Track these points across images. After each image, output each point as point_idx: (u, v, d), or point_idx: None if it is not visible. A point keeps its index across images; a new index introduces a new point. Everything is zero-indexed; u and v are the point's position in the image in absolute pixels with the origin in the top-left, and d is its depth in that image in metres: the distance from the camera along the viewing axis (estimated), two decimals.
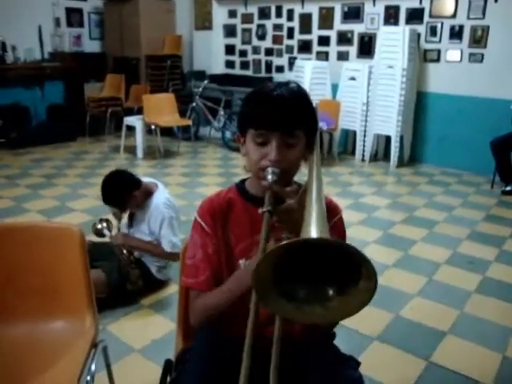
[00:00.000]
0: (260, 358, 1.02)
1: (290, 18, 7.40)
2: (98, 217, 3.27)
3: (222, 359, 1.22)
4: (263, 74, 7.87)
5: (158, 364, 1.78)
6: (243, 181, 1.41)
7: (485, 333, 2.69)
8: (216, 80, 7.61)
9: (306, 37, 7.29)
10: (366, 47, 6.69)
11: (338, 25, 6.92)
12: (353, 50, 6.84)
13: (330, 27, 6.99)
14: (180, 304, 1.61)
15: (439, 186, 5.56)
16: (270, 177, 1.16)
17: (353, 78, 6.50)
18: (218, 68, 8.31)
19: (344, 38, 6.89)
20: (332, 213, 1.34)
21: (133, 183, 2.88)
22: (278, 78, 7.28)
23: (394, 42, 5.93)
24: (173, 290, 3.02)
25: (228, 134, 7.19)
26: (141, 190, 2.88)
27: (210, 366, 1.24)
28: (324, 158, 6.51)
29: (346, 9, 6.78)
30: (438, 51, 6.11)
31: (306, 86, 6.04)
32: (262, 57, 7.89)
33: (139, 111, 7.11)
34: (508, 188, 5.23)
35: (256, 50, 7.95)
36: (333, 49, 7.03)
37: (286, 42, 7.54)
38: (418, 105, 6.37)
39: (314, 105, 1.28)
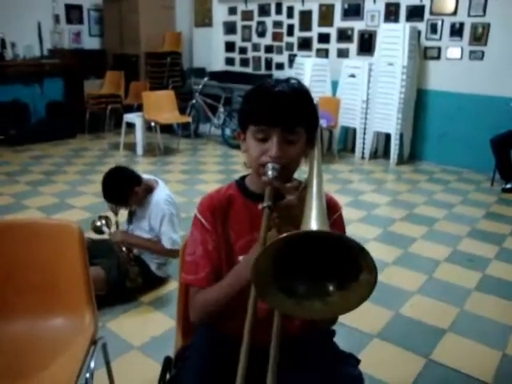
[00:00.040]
0: (259, 355, 1.02)
1: (289, 15, 7.39)
2: (97, 214, 3.26)
3: (222, 356, 1.22)
4: (263, 71, 7.87)
5: (158, 361, 1.78)
6: (243, 177, 1.41)
7: (485, 330, 2.69)
8: (216, 77, 7.60)
9: (305, 34, 7.28)
10: (366, 44, 6.68)
11: (338, 22, 6.90)
12: (353, 47, 6.83)
13: (330, 24, 6.98)
14: (180, 301, 1.61)
15: (439, 183, 5.55)
16: (270, 172, 1.16)
17: (353, 76, 6.49)
18: (218, 65, 8.30)
19: (344, 36, 6.88)
20: (332, 210, 1.33)
21: (133, 179, 2.87)
22: (277, 75, 7.27)
23: (394, 39, 5.92)
24: (172, 287, 3.02)
25: (228, 131, 7.18)
26: (141, 186, 2.87)
27: (210, 362, 1.23)
28: (324, 156, 6.50)
29: (346, 6, 6.76)
30: (439, 49, 6.10)
31: (306, 83, 5.97)
32: (262, 54, 7.88)
33: (139, 108, 7.11)
34: (508, 185, 5.22)
35: (256, 47, 7.94)
36: (333, 46, 7.02)
37: (286, 39, 7.53)
38: (418, 102, 6.36)
39: (315, 101, 1.27)
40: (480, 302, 2.99)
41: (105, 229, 2.97)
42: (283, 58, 7.62)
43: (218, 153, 6.84)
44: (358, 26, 6.72)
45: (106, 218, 3.02)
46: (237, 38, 8.15)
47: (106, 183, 2.85)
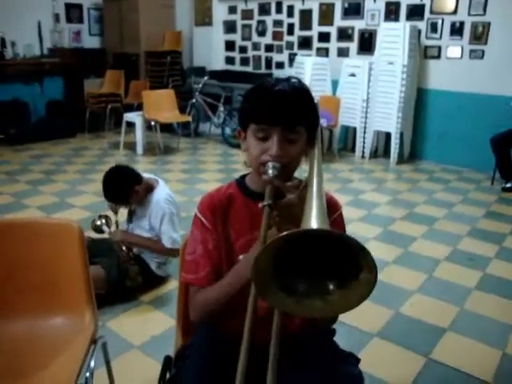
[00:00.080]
0: (259, 353, 1.02)
1: (290, 14, 7.39)
2: (97, 213, 3.26)
3: (222, 355, 1.22)
4: (263, 70, 7.86)
5: (158, 360, 1.78)
6: (243, 176, 1.41)
7: (485, 329, 2.69)
8: (216, 76, 7.60)
9: (306, 33, 7.27)
10: (367, 43, 6.67)
11: (339, 21, 6.90)
12: (353, 46, 6.83)
13: (331, 23, 6.97)
14: (180, 300, 1.61)
15: (439, 182, 5.55)
16: (270, 171, 1.16)
17: (353, 75, 6.48)
18: (218, 64, 8.29)
19: (344, 35, 6.88)
20: (332, 209, 1.33)
21: (134, 178, 2.87)
22: (278, 74, 7.24)
23: (394, 38, 5.92)
24: (172, 286, 3.02)
25: (228, 130, 7.17)
26: (142, 185, 2.87)
27: (210, 361, 1.23)
28: (324, 155, 6.50)
29: (346, 5, 6.76)
30: (439, 48, 6.10)
31: (306, 82, 5.98)
32: (262, 53, 7.87)
33: (139, 107, 7.11)
34: (508, 185, 5.22)
35: (256, 46, 7.93)
36: (333, 45, 7.02)
37: (286, 38, 7.52)
38: (419, 101, 6.36)
39: (316, 101, 1.27)
40: (480, 301, 2.99)
41: (105, 228, 2.97)
42: (283, 57, 7.62)
43: (218, 152, 6.84)
44: (358, 24, 6.71)
45: (106, 217, 3.02)
46: (237, 37, 8.15)
47: (107, 182, 2.85)
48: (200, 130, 7.87)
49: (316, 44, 7.19)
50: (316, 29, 7.15)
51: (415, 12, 6.16)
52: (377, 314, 2.79)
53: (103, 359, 1.86)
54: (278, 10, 7.51)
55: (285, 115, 1.18)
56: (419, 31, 6.13)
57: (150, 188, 2.93)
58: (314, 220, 0.93)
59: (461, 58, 5.95)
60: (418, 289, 3.12)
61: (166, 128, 7.09)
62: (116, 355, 2.29)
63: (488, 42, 5.70)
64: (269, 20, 7.68)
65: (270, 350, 1.02)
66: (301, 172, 1.30)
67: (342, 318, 1.30)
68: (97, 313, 1.79)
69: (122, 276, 2.85)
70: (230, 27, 8.19)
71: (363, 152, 6.59)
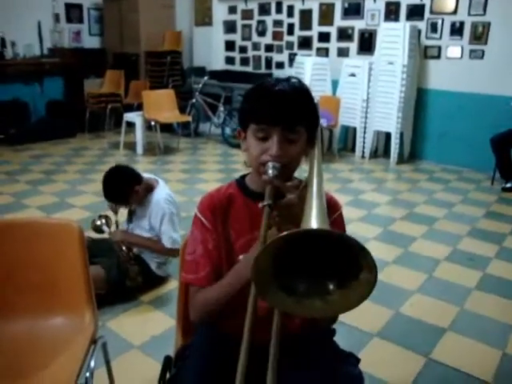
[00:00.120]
0: (259, 353, 1.02)
1: (290, 14, 7.39)
2: (97, 213, 3.26)
3: (222, 355, 1.22)
4: (263, 70, 7.86)
5: (158, 360, 1.78)
6: (243, 176, 1.41)
7: (485, 329, 2.69)
8: (216, 76, 7.60)
9: (306, 33, 7.27)
10: (367, 43, 6.67)
11: (339, 21, 6.90)
12: (353, 46, 6.83)
13: (331, 23, 6.97)
14: (180, 300, 1.61)
15: (439, 182, 5.55)
16: (270, 171, 1.16)
17: (353, 75, 6.48)
18: (218, 64, 8.29)
19: (344, 35, 6.88)
20: (332, 209, 1.33)
21: (134, 178, 2.87)
22: (278, 74, 7.24)
23: (394, 38, 5.91)
24: (172, 286, 3.02)
25: (228, 131, 7.17)
26: (142, 185, 2.87)
27: (210, 361, 1.23)
28: (324, 155, 6.50)
29: (346, 5, 6.76)
30: (439, 48, 6.10)
31: (306, 82, 5.98)
32: (262, 53, 7.87)
33: (139, 107, 7.11)
34: (508, 185, 5.22)
35: (256, 46, 7.93)
36: (333, 45, 7.01)
37: (286, 38, 7.52)
38: (419, 101, 6.36)
39: (316, 100, 1.27)
40: (480, 301, 2.99)
41: (105, 228, 2.97)
42: (283, 57, 7.62)
43: (218, 152, 6.84)
44: (358, 24, 6.71)
45: (106, 217, 3.02)
46: (237, 37, 8.14)
47: (107, 182, 2.85)
48: (200, 130, 7.87)
49: (316, 44, 7.19)
50: (316, 29, 7.15)
51: (415, 12, 6.16)
52: (377, 314, 2.79)
53: (103, 359, 1.85)
54: (278, 10, 7.51)
55: (285, 115, 1.18)
56: (419, 31, 6.13)
57: (150, 188, 2.93)
58: (314, 220, 0.93)
59: (461, 58, 5.95)
60: (417, 289, 3.12)
61: (166, 128, 7.09)
62: (116, 355, 2.29)
63: (488, 42, 5.70)
64: (269, 20, 7.68)
65: (270, 349, 1.02)
66: (301, 172, 1.30)
67: (341, 317, 1.30)
68: (97, 313, 1.79)
69: (121, 276, 2.85)
70: (229, 27, 8.19)
71: (363, 152, 6.58)
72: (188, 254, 1.36)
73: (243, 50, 8.11)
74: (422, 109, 6.38)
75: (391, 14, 6.36)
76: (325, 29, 7.05)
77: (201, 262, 1.32)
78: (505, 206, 4.78)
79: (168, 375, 1.46)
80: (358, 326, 2.66)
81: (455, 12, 5.88)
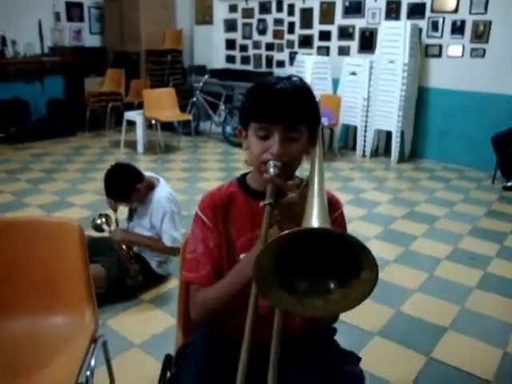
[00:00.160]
0: (260, 353, 1.01)
1: (290, 12, 7.38)
2: (97, 212, 3.26)
3: (223, 354, 1.21)
4: (264, 68, 7.86)
5: (158, 359, 1.78)
6: (244, 175, 1.40)
7: (486, 328, 2.68)
8: (216, 75, 7.59)
9: (306, 31, 7.26)
10: (367, 42, 6.66)
11: (339, 19, 6.89)
12: (354, 44, 6.82)
13: (331, 22, 6.96)
14: (180, 299, 1.61)
15: (440, 181, 5.55)
16: (271, 170, 1.16)
17: (354, 73, 6.48)
18: (219, 63, 8.28)
19: (345, 33, 6.87)
20: (333, 208, 1.33)
21: (135, 176, 2.87)
22: (278, 72, 7.24)
23: (395, 36, 5.91)
24: (173, 284, 3.02)
25: (228, 129, 7.17)
26: (143, 183, 2.87)
27: (211, 360, 1.23)
28: (325, 153, 6.49)
29: (347, 3, 6.75)
30: (440, 46, 6.09)
31: (307, 80, 6.01)
32: (263, 51, 7.87)
33: (139, 106, 7.10)
34: (509, 183, 5.21)
35: (257, 45, 7.93)
36: (334, 44, 7.01)
37: (287, 36, 7.52)
38: (419, 100, 6.35)
39: (317, 99, 1.27)
40: (481, 300, 2.99)
41: (105, 227, 2.97)
42: (284, 55, 7.62)
43: (218, 150, 6.84)
44: (358, 23, 6.70)
45: (106, 215, 3.01)
46: (237, 36, 8.14)
47: (108, 180, 2.84)
48: (201, 128, 7.86)
49: (317, 43, 7.19)
50: (317, 27, 7.14)
51: (416, 10, 6.15)
52: (377, 313, 2.79)
53: (103, 358, 1.85)
54: (279, 9, 7.51)
55: (286, 114, 1.18)
56: (420, 30, 6.12)
57: (151, 186, 2.92)
58: (315, 219, 0.93)
59: (462, 56, 5.94)
60: (418, 288, 3.12)
61: (167, 127, 7.09)
62: (116, 354, 2.29)
63: (489, 40, 5.70)
64: (269, 18, 7.67)
65: (271, 349, 1.01)
66: (302, 171, 1.29)
67: (342, 316, 1.30)
68: (97, 311, 1.79)
69: (122, 275, 2.84)
70: (230, 26, 8.18)
71: (364, 151, 6.58)
72: (189, 252, 1.36)
73: (244, 48, 8.11)
74: (422, 107, 6.37)
75: (392, 12, 6.35)
76: (325, 27, 7.04)
77: (201, 261, 1.32)
78: (506, 205, 4.77)
79: (168, 374, 1.45)
80: (359, 324, 2.66)
81: (456, 10, 5.87)
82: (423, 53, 6.21)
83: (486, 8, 5.64)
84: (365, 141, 6.55)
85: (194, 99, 7.35)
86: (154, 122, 6.44)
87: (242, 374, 0.95)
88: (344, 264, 0.92)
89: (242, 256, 1.31)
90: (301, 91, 1.22)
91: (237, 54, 8.22)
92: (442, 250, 3.67)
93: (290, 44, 7.49)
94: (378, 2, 6.45)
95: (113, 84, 7.88)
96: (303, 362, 1.25)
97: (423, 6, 6.09)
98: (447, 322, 2.74)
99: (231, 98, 7.33)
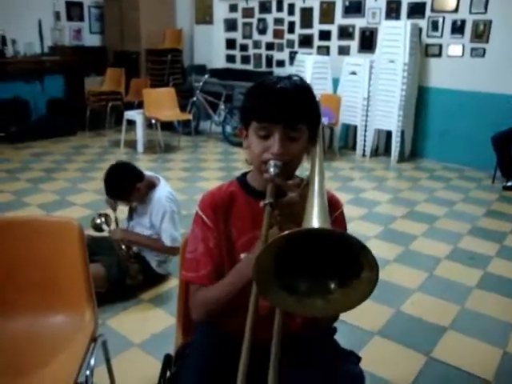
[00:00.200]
0: (260, 353, 1.01)
1: (290, 12, 7.38)
2: (97, 211, 3.26)
3: (223, 354, 1.21)
4: (264, 68, 7.85)
5: (158, 359, 1.78)
6: (244, 174, 1.40)
7: (486, 328, 2.68)
8: (216, 74, 7.59)
9: (306, 31, 7.26)
10: (368, 42, 6.66)
11: (339, 19, 6.88)
12: (354, 44, 6.82)
13: (331, 21, 6.96)
14: (180, 298, 1.61)
15: (440, 181, 5.55)
16: (272, 170, 1.16)
17: (354, 73, 6.47)
18: (219, 62, 8.28)
19: (345, 33, 6.87)
20: (333, 207, 1.32)
21: (135, 175, 2.87)
22: (278, 72, 7.24)
23: (395, 36, 5.91)
24: (173, 284, 3.02)
25: (228, 129, 7.17)
26: (143, 182, 2.87)
27: (211, 360, 1.23)
28: (325, 153, 6.47)
29: (347, 3, 6.74)
30: (440, 46, 6.08)
31: (307, 80, 6.02)
32: (263, 51, 7.86)
33: (139, 105, 7.10)
34: (509, 183, 5.21)
35: (257, 45, 7.93)
36: (334, 43, 7.01)
37: (287, 36, 7.52)
38: (419, 100, 6.35)
39: (317, 98, 1.27)
40: (481, 300, 2.99)
41: (104, 227, 2.96)
42: (284, 55, 7.61)
43: (218, 150, 6.83)
44: (359, 23, 6.70)
45: (106, 215, 3.01)
46: (237, 35, 8.14)
47: (108, 178, 2.84)
48: (201, 128, 7.86)
49: (317, 42, 7.18)
50: (317, 27, 7.14)
51: (416, 10, 6.15)
52: (377, 313, 2.79)
53: (103, 357, 1.85)
54: (279, 8, 7.50)
55: (286, 113, 1.18)
56: (420, 29, 6.12)
57: (151, 185, 2.92)
58: (315, 219, 0.93)
59: (462, 56, 5.94)
60: (418, 287, 3.12)
61: (167, 126, 7.09)
62: (116, 353, 2.29)
63: (489, 40, 5.69)
64: (269, 18, 7.67)
65: (272, 349, 1.01)
66: (302, 170, 1.29)
67: (342, 316, 1.30)
68: (97, 311, 1.79)
69: (122, 274, 2.84)
70: (230, 25, 8.18)
71: (364, 150, 6.58)
72: (189, 252, 1.36)
73: (244, 48, 8.10)
74: (422, 107, 6.37)
75: (392, 12, 6.35)
76: (326, 27, 7.04)
77: (201, 261, 1.31)
78: (506, 205, 4.77)
79: (168, 374, 1.45)
80: (359, 324, 2.66)
81: (456, 10, 5.87)
82: (423, 52, 6.21)
83: (486, 8, 5.64)
84: (365, 140, 6.55)
85: (194, 99, 7.35)
86: (153, 121, 6.44)
87: (242, 374, 0.94)
88: (344, 264, 0.92)
89: (242, 256, 1.31)
90: (301, 91, 1.22)
91: (237, 53, 8.22)
92: (442, 250, 3.67)
93: (290, 43, 7.49)
94: (378, 1, 6.44)
95: (113, 83, 7.88)
96: (303, 361, 1.25)
97: (423, 5, 6.09)
98: (447, 321, 2.74)
99: (231, 97, 7.33)
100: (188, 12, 8.42)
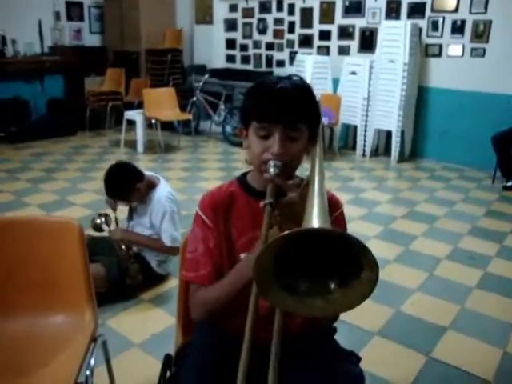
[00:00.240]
0: (260, 353, 1.01)
1: (290, 12, 7.38)
2: (97, 211, 3.26)
3: (223, 354, 1.21)
4: (264, 68, 7.85)
5: (158, 359, 1.78)
6: (244, 174, 1.40)
7: (485, 328, 2.68)
8: (216, 74, 7.59)
9: (306, 31, 7.26)
10: (368, 42, 6.66)
11: (339, 19, 6.88)
12: (354, 44, 6.82)
13: (331, 21, 6.96)
14: (180, 298, 1.61)
15: (440, 181, 5.55)
16: (272, 170, 1.16)
17: (354, 73, 6.47)
18: (219, 62, 8.28)
19: (345, 33, 6.86)
20: (333, 207, 1.32)
21: (136, 175, 2.87)
22: (278, 72, 7.23)
23: (395, 36, 5.90)
24: (173, 284, 3.02)
25: (228, 129, 7.17)
26: (143, 182, 2.87)
27: (211, 360, 1.23)
28: (325, 153, 6.46)
29: (347, 3, 6.74)
30: (440, 46, 6.08)
31: (307, 80, 6.02)
32: (263, 51, 7.86)
33: (139, 105, 7.10)
34: (509, 183, 5.21)
35: (257, 45, 7.93)
36: (334, 43, 7.01)
37: (287, 36, 7.52)
38: (419, 100, 6.35)
39: (317, 98, 1.27)
40: (481, 300, 2.99)
41: (104, 227, 2.96)
42: (284, 55, 7.61)
43: (218, 150, 6.83)
44: (359, 23, 6.70)
45: (106, 215, 3.01)
46: (237, 35, 8.14)
47: (108, 178, 2.84)
48: (200, 128, 7.86)
49: (317, 42, 7.19)
50: (317, 27, 7.14)
51: (416, 10, 6.15)
52: (377, 313, 2.79)
53: (103, 357, 1.85)
54: (279, 8, 7.50)
55: (287, 113, 1.18)
56: (420, 29, 6.12)
57: (151, 185, 2.92)
58: (315, 219, 0.93)
59: (462, 56, 5.94)
60: (418, 287, 3.12)
61: (167, 126, 7.09)
62: (116, 353, 2.29)
63: (489, 40, 5.69)
64: (269, 18, 7.67)
65: (272, 349, 1.01)
66: (302, 170, 1.29)
67: (342, 316, 1.30)
68: (97, 311, 1.78)
69: (122, 274, 2.84)
70: (230, 25, 8.18)
71: (364, 150, 6.58)
72: (189, 252, 1.36)
73: (244, 48, 8.10)
74: (422, 107, 6.37)
75: (392, 12, 6.35)
76: (326, 27, 7.04)
77: (201, 261, 1.31)
78: (506, 205, 4.77)
79: (168, 374, 1.45)
80: (359, 324, 2.66)
81: (456, 10, 5.87)
82: (423, 52, 6.21)
83: (486, 8, 5.64)
84: (365, 140, 6.55)
85: (194, 99, 7.35)
86: (153, 121, 6.44)
87: (242, 374, 0.94)
88: (344, 264, 0.92)
89: (242, 256, 1.31)
90: (301, 91, 1.22)
91: (237, 53, 8.22)
92: (442, 250, 3.67)
93: (290, 43, 7.49)
94: (378, 1, 6.44)
95: (113, 83, 7.88)
96: (303, 361, 1.25)
97: (423, 5, 6.09)
98: (447, 321, 2.74)
99: (231, 97, 7.33)
100: (188, 12, 8.42)
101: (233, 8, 8.05)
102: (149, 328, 2.60)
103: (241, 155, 6.26)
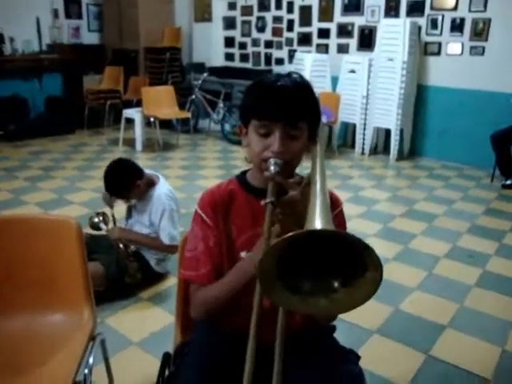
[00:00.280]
0: (260, 353, 1.00)
1: (289, 10, 7.37)
2: (96, 210, 3.25)
3: (222, 353, 1.21)
4: (263, 66, 7.85)
5: (157, 357, 1.77)
6: (244, 172, 1.39)
7: (484, 326, 2.68)
8: (215, 72, 7.58)
9: (305, 29, 7.26)
10: (367, 40, 6.66)
11: (338, 17, 6.88)
12: (353, 42, 6.81)
13: (330, 20, 6.96)
14: (179, 297, 1.60)
15: (439, 179, 5.55)
16: (272, 168, 1.15)
17: (353, 71, 6.47)
18: (218, 60, 8.27)
19: (344, 31, 6.86)
20: (333, 205, 1.31)
21: (136, 172, 2.86)
22: (277, 70, 7.21)
23: (394, 34, 5.90)
24: (171, 282, 3.01)
25: (227, 127, 7.17)
26: (143, 180, 2.86)
27: (210, 359, 1.23)
28: (324, 151, 6.47)
29: (346, 1, 6.74)
30: (439, 44, 6.08)
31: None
32: (262, 49, 7.86)
33: (138, 104, 7.08)
34: (508, 182, 5.22)
35: (256, 43, 7.92)
36: (333, 41, 7.00)
37: (286, 34, 7.51)
38: (419, 98, 6.35)
39: (317, 95, 1.26)
40: (480, 298, 2.99)
41: (102, 225, 2.95)
42: (283, 53, 7.61)
43: (217, 148, 6.83)
44: (358, 21, 6.69)
45: (104, 214, 3.00)
46: (236, 33, 8.13)
47: (108, 175, 2.83)
48: (199, 126, 7.85)
49: (316, 40, 7.18)
50: (316, 25, 7.13)
51: (415, 8, 6.15)
52: (377, 311, 2.79)
53: (102, 356, 1.85)
54: (278, 6, 7.49)
55: (287, 111, 1.17)
56: (419, 27, 6.11)
57: (151, 183, 2.92)
58: (317, 220, 0.92)
59: (461, 54, 5.94)
60: (417, 286, 3.12)
61: (166, 124, 7.08)
62: (115, 352, 2.28)
63: (488, 38, 5.69)
64: (268, 16, 7.66)
65: (276, 349, 1.00)
66: (302, 169, 1.28)
67: (342, 314, 1.29)
68: (95, 309, 1.78)
69: (120, 272, 2.83)
70: (229, 23, 8.17)
71: (363, 148, 6.58)
72: (188, 250, 1.35)
73: (243, 46, 8.09)
74: (421, 105, 6.37)
75: (391, 10, 6.35)
76: (324, 25, 7.03)
77: (201, 259, 1.30)
78: (505, 203, 4.77)
79: (167, 372, 1.45)
80: (358, 322, 2.66)
81: (455, 8, 5.86)
82: (422, 51, 6.21)
83: (485, 6, 5.63)
84: (364, 139, 6.55)
85: (193, 97, 7.34)
86: (152, 119, 6.44)
87: (248, 376, 0.94)
88: (348, 263, 0.91)
89: (242, 254, 1.30)
90: (301, 88, 1.21)
91: (236, 51, 8.21)
92: (441, 248, 3.67)
93: (289, 42, 7.48)
94: None
95: (111, 81, 7.86)
96: (303, 361, 1.25)
97: (422, 3, 6.08)
98: (446, 320, 2.74)
99: (230, 95, 7.32)
100: (187, 10, 8.41)
101: (232, 6, 8.04)
102: (147, 326, 2.60)
103: (240, 153, 6.25)
